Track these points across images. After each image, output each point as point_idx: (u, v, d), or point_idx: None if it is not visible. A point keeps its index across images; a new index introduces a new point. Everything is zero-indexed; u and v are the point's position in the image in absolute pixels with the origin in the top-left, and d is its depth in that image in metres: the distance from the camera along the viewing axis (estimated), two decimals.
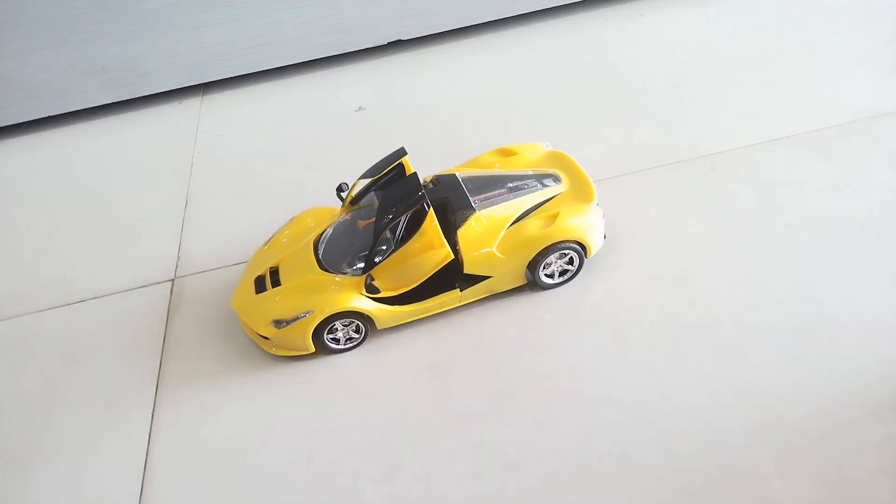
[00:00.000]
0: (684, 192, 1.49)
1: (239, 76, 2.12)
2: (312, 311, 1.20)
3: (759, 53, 1.88)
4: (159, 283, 1.49)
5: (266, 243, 1.38)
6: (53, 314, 1.46)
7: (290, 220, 1.42)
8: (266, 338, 1.25)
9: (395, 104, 1.95)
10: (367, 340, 1.28)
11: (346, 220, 1.34)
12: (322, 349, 1.25)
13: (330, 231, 1.32)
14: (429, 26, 2.12)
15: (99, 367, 1.33)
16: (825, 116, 1.63)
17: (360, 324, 1.25)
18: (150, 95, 2.09)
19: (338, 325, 1.23)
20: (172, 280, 1.50)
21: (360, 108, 1.95)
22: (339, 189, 1.36)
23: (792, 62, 1.83)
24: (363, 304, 1.22)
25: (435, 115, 1.86)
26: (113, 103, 2.08)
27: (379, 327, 1.27)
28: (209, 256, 1.54)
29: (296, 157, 1.81)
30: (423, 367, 1.23)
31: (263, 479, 1.11)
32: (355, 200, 1.35)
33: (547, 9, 2.17)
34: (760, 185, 1.48)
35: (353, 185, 1.34)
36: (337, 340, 1.26)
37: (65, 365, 1.34)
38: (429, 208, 1.21)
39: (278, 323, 1.22)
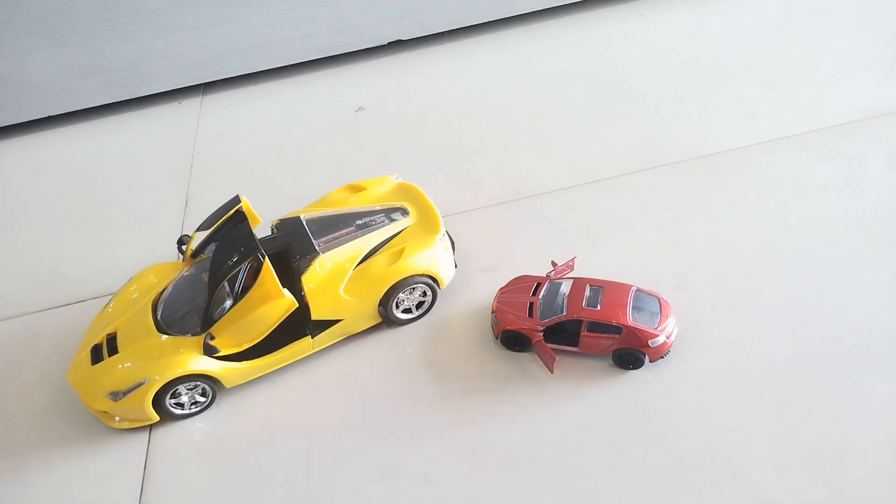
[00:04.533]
0: (684, 192, 1.49)
1: (239, 76, 2.12)
2: (148, 380, 1.13)
3: (759, 53, 1.88)
4: None
5: (106, 306, 1.30)
6: (53, 314, 1.46)
7: (131, 278, 1.33)
8: (103, 413, 1.18)
9: (395, 104, 1.94)
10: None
11: (187, 274, 1.27)
12: (167, 416, 1.18)
13: (169, 289, 1.25)
14: (429, 26, 2.12)
15: None
16: (825, 116, 1.63)
17: (206, 386, 1.18)
18: (150, 95, 2.09)
19: (181, 389, 1.16)
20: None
21: (360, 108, 1.95)
22: (180, 242, 1.31)
23: (792, 62, 1.83)
24: (206, 364, 1.15)
25: (435, 115, 1.86)
26: (113, 103, 2.08)
27: (227, 386, 1.20)
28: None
29: (296, 157, 1.81)
30: (423, 367, 1.23)
31: (263, 480, 1.11)
32: (196, 253, 1.29)
33: (547, 9, 2.17)
34: (760, 185, 1.48)
35: (192, 238, 1.30)
36: (182, 405, 1.19)
37: (65, 365, 1.33)
38: (264, 258, 1.15)
39: (114, 395, 1.14)
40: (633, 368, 1.16)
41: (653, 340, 1.13)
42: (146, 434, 1.20)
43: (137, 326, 1.21)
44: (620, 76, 1.89)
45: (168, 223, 1.65)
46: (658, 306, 1.18)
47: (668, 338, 1.15)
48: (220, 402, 1.23)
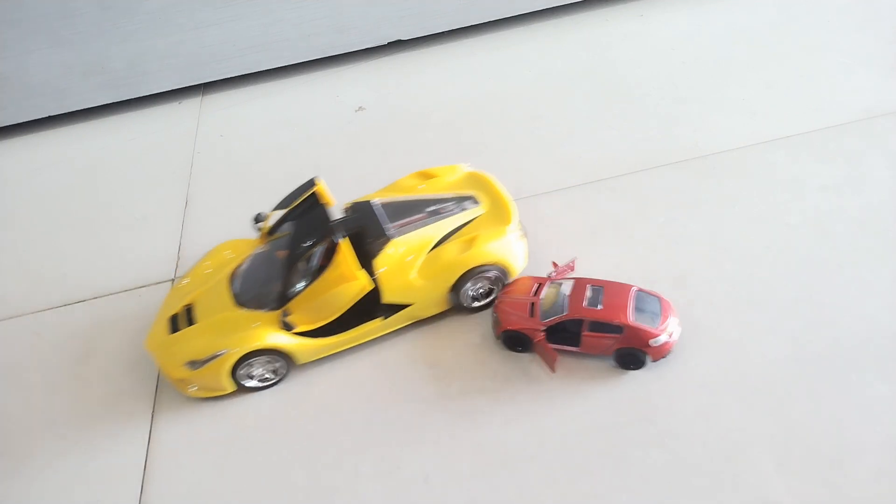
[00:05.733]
0: (684, 192, 1.49)
1: (239, 76, 2.12)
2: (228, 350, 1.16)
3: (759, 53, 1.88)
4: (159, 283, 1.49)
5: (182, 279, 1.34)
6: (53, 314, 1.46)
7: (207, 252, 1.37)
8: (180, 381, 1.20)
9: (395, 104, 1.95)
10: (292, 372, 1.25)
11: (262, 251, 1.30)
12: (240, 388, 1.21)
13: (246, 264, 1.28)
14: (429, 26, 2.12)
15: (99, 367, 1.33)
16: (825, 116, 1.63)
17: (279, 360, 1.21)
18: (150, 95, 2.09)
19: (255, 362, 1.19)
20: (172, 280, 1.50)
21: (360, 108, 1.95)
22: (256, 219, 1.33)
23: (792, 62, 1.83)
24: (280, 340, 1.18)
25: (435, 115, 1.87)
26: (113, 103, 2.08)
27: (298, 363, 1.23)
28: None
29: (296, 157, 1.81)
30: (423, 367, 1.23)
31: (263, 479, 1.11)
32: (272, 231, 1.31)
33: (547, 9, 2.17)
34: (760, 185, 1.48)
35: (269, 216, 1.31)
36: (253, 378, 1.21)
37: (65, 365, 1.34)
38: (342, 239, 1.18)
39: (193, 364, 1.17)
40: (635, 368, 1.16)
41: (654, 340, 1.13)
42: (146, 434, 1.20)
43: (215, 299, 1.24)
44: (620, 76, 1.89)
45: (168, 223, 1.65)
46: (659, 306, 1.18)
47: (669, 337, 1.15)
48: (220, 402, 1.23)
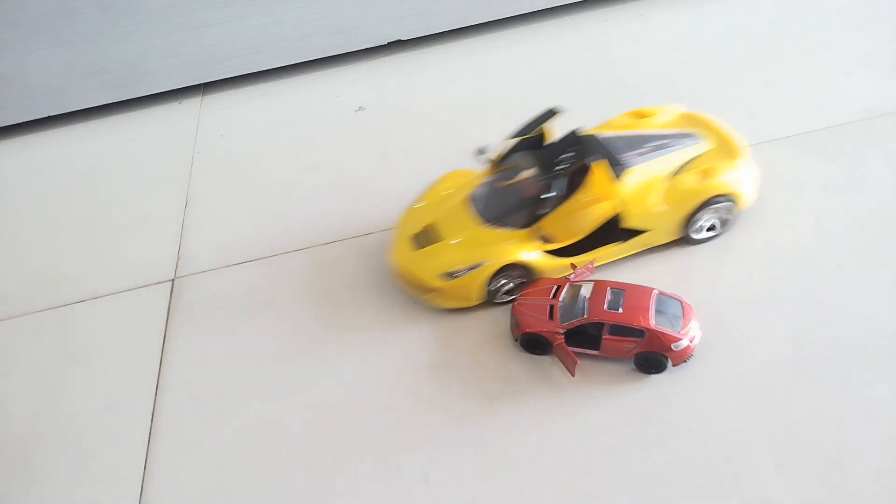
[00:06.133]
0: None
1: (239, 76, 2.12)
2: (486, 262, 1.24)
3: (759, 53, 1.88)
4: (159, 283, 1.49)
5: (411, 206, 1.41)
6: (53, 314, 1.46)
7: (432, 183, 1.44)
8: (431, 291, 1.28)
9: (395, 104, 1.95)
10: None
11: (493, 179, 1.36)
12: (488, 300, 1.29)
13: (480, 190, 1.35)
14: (429, 26, 2.12)
15: (99, 367, 1.33)
16: (825, 116, 1.63)
17: (522, 275, 1.27)
18: (150, 95, 2.09)
19: (501, 277, 1.26)
20: (172, 280, 1.50)
21: (360, 108, 1.95)
22: (481, 151, 1.38)
23: (792, 62, 1.83)
24: (531, 256, 1.26)
25: (435, 115, 1.86)
26: (113, 103, 2.08)
27: None
28: (209, 256, 1.54)
29: (296, 157, 1.81)
30: (423, 367, 1.23)
31: (263, 480, 1.11)
32: (502, 160, 1.37)
33: (547, 9, 2.17)
34: (760, 185, 1.48)
35: (500, 146, 1.37)
36: (498, 292, 1.29)
37: (65, 365, 1.34)
38: (598, 160, 1.23)
39: (450, 275, 1.25)
40: (656, 372, 1.16)
41: (676, 344, 1.12)
42: (146, 433, 1.20)
43: (459, 219, 1.32)
44: (620, 76, 1.89)
45: (168, 223, 1.65)
46: (681, 310, 1.17)
47: (691, 341, 1.14)
48: (219, 401, 1.23)
